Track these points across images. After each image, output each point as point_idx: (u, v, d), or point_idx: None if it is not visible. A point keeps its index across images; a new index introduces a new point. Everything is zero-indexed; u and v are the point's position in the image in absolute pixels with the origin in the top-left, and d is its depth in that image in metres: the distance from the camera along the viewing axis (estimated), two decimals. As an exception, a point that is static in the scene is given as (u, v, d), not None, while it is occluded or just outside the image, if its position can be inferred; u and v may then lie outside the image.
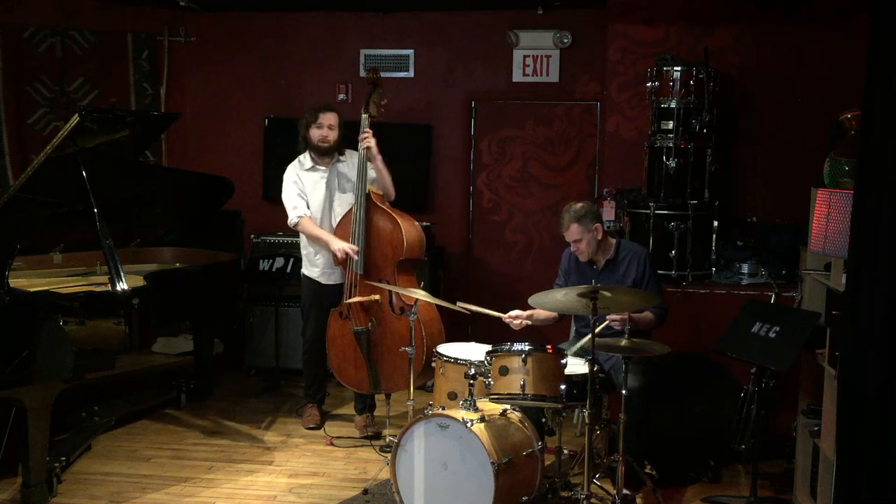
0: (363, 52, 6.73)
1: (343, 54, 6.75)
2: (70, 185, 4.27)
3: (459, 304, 4.40)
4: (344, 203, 4.98)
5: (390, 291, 4.71)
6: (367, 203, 4.82)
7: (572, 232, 4.32)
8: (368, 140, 4.84)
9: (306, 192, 4.98)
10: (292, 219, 4.94)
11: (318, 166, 5.00)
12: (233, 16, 6.82)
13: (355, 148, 4.91)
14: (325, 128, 4.93)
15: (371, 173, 4.93)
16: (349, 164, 5.01)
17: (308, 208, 4.96)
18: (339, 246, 4.79)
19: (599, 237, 4.34)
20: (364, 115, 4.90)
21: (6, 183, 6.14)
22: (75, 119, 4.00)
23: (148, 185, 5.05)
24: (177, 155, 6.89)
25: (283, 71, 6.83)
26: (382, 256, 4.81)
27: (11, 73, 6.42)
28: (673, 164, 5.19)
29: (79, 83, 6.61)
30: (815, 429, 3.87)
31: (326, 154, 4.98)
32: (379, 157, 4.89)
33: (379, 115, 4.94)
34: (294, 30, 6.80)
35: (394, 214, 4.81)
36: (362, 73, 6.70)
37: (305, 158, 5.02)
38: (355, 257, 4.77)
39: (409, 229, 4.80)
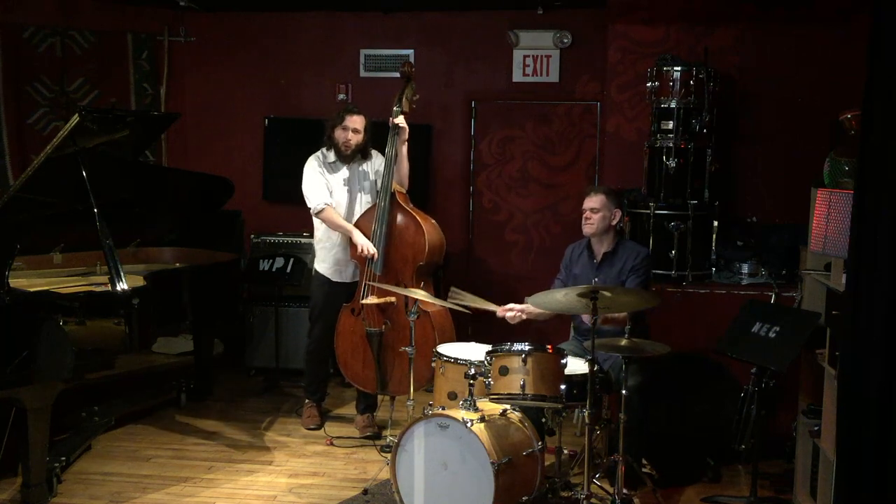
0: (363, 52, 6.73)
1: (343, 54, 6.75)
2: (70, 185, 4.26)
3: (453, 289, 4.37)
4: (365, 203, 4.93)
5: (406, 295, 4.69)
6: (392, 202, 4.78)
7: (596, 199, 4.36)
8: (402, 121, 4.80)
9: (329, 183, 4.92)
10: (318, 205, 4.83)
11: (339, 163, 4.95)
12: (233, 16, 6.82)
13: (382, 150, 4.87)
14: (350, 131, 4.87)
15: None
16: (373, 163, 4.95)
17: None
18: (363, 241, 4.73)
19: (613, 223, 4.38)
20: (396, 109, 4.85)
21: (6, 183, 6.14)
22: (75, 119, 4.00)
23: (148, 185, 5.05)
24: (177, 155, 6.89)
25: (283, 71, 6.84)
26: (402, 259, 4.77)
27: (11, 73, 6.42)
28: (673, 164, 5.19)
29: (79, 83, 6.61)
30: (815, 429, 3.87)
31: (349, 157, 4.93)
32: (406, 144, 4.85)
33: (411, 110, 4.90)
34: (294, 30, 6.80)
35: (417, 217, 4.76)
36: (362, 73, 6.72)
37: (329, 153, 4.96)
38: (375, 258, 4.72)
39: (432, 233, 4.76)
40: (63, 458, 4.29)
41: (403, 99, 4.89)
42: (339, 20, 6.75)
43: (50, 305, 3.88)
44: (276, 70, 6.84)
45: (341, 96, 6.71)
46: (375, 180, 4.96)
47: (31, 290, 4.16)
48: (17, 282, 4.19)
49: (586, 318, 4.05)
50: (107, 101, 6.54)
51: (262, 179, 6.81)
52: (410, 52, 6.68)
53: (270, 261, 6.09)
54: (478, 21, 6.59)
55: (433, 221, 4.86)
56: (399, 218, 4.79)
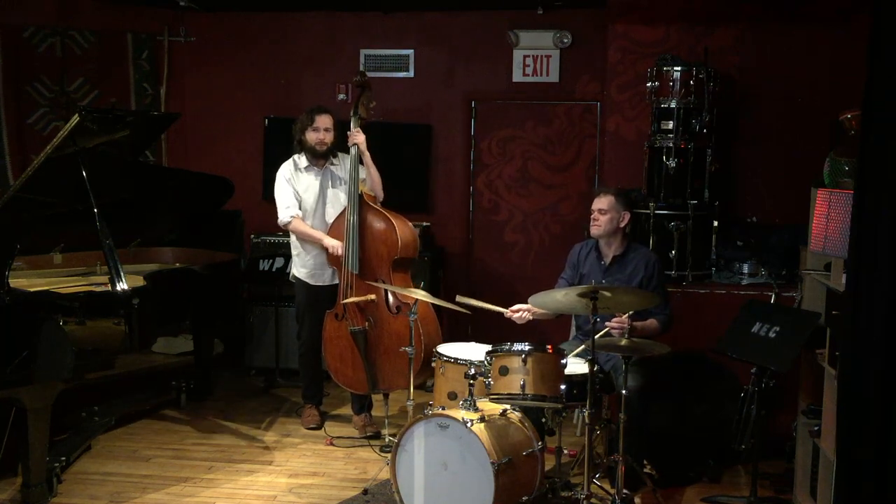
0: (363, 52, 6.73)
1: (343, 54, 6.75)
2: (70, 185, 4.26)
3: (458, 298, 4.40)
4: (336, 204, 4.99)
5: (386, 290, 4.72)
6: (360, 204, 4.82)
7: (604, 201, 4.35)
8: (357, 136, 4.86)
9: (300, 192, 4.98)
10: (284, 218, 4.94)
11: (312, 166, 5.01)
12: (233, 16, 6.82)
13: (347, 150, 4.92)
14: (322, 130, 4.94)
15: (361, 173, 4.94)
16: (342, 166, 5.01)
17: (300, 209, 4.96)
18: (332, 242, 4.81)
19: (621, 225, 4.37)
20: (353, 118, 4.92)
21: (6, 183, 6.14)
22: (75, 119, 4.00)
23: (148, 185, 5.05)
24: (177, 155, 6.89)
25: (283, 71, 6.84)
26: (377, 256, 4.81)
27: (11, 73, 6.43)
28: (673, 164, 5.19)
29: (79, 83, 6.61)
30: (815, 429, 3.87)
31: (322, 156, 4.99)
32: (367, 154, 4.91)
33: (368, 117, 4.97)
34: (294, 30, 6.80)
35: (387, 214, 4.83)
36: (362, 74, 6.72)
37: (301, 159, 5.02)
38: (340, 252, 4.78)
39: (403, 228, 4.82)
40: (63, 458, 4.29)
41: (360, 106, 4.94)
42: (339, 20, 6.74)
43: (50, 305, 3.88)
44: (276, 70, 6.84)
45: (341, 96, 6.71)
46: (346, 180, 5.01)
47: (31, 290, 4.16)
48: (17, 282, 4.19)
49: (614, 323, 4.05)
50: (107, 101, 6.54)
51: (262, 179, 6.80)
52: (410, 52, 6.68)
53: (270, 261, 6.10)
54: (478, 21, 6.59)
55: (404, 218, 4.91)
56: (370, 217, 4.84)
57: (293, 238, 5.09)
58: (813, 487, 3.93)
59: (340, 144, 5.00)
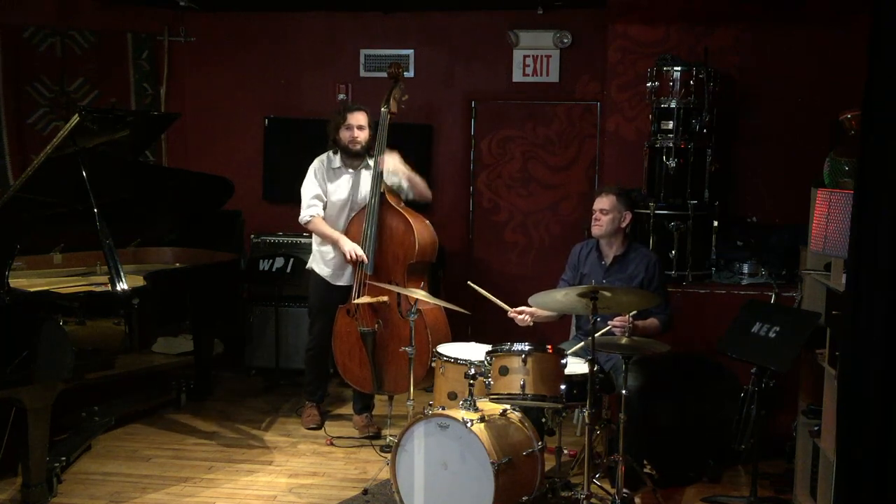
0: (363, 52, 6.73)
1: (343, 54, 6.75)
2: (70, 185, 4.26)
3: (470, 283, 4.39)
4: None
5: (399, 293, 4.70)
6: (381, 203, 4.78)
7: (606, 200, 4.35)
8: (389, 160, 4.79)
9: (329, 191, 4.92)
10: (305, 216, 4.87)
11: (346, 167, 4.94)
12: (233, 16, 6.82)
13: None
14: (355, 128, 4.85)
15: (393, 179, 4.90)
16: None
17: (324, 210, 4.90)
18: (350, 248, 4.75)
19: (623, 224, 4.37)
20: (384, 110, 4.85)
21: (6, 183, 6.15)
22: (75, 119, 4.00)
23: (148, 185, 5.05)
24: (177, 155, 6.89)
25: (283, 71, 6.84)
26: (393, 258, 4.78)
27: (11, 73, 6.43)
28: (673, 164, 5.20)
29: (79, 83, 6.62)
30: (815, 429, 3.87)
31: (357, 156, 4.90)
32: (406, 170, 4.85)
33: (398, 110, 4.89)
34: (294, 30, 6.80)
35: (407, 216, 4.78)
36: (362, 73, 6.72)
37: (334, 157, 4.94)
38: (366, 260, 4.74)
39: (422, 231, 4.77)
40: (63, 458, 4.29)
41: (391, 100, 4.88)
42: (339, 20, 6.75)
43: (50, 305, 3.88)
44: (276, 70, 6.84)
45: (341, 96, 6.71)
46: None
47: (31, 290, 4.17)
48: (17, 282, 4.20)
49: (618, 323, 4.05)
50: (107, 101, 6.55)
51: (262, 179, 6.81)
52: (410, 52, 6.68)
53: (270, 261, 6.09)
54: (478, 21, 6.59)
55: (424, 220, 4.87)
56: (389, 218, 4.80)
57: (316, 236, 5.04)
58: (813, 487, 3.93)
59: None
